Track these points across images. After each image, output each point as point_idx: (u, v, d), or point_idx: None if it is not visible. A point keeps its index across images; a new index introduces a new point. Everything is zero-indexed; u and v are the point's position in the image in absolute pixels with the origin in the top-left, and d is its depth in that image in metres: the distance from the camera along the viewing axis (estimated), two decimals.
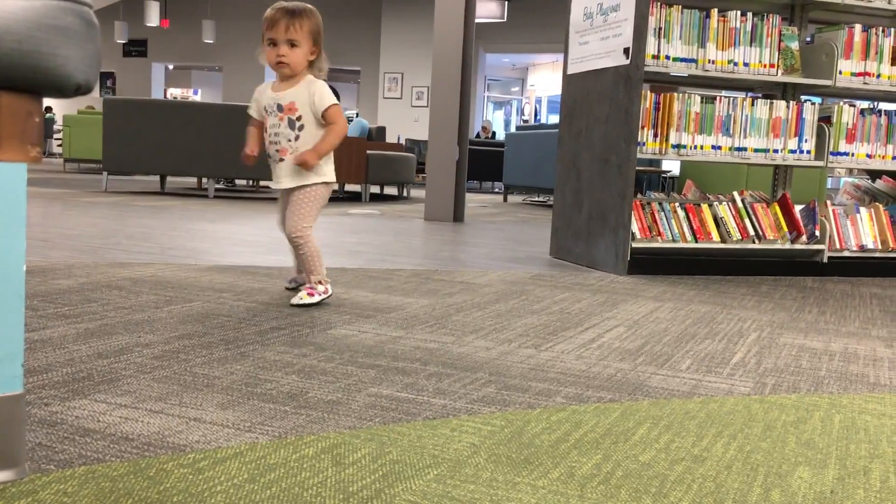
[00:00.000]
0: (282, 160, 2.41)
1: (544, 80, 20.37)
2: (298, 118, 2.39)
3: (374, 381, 1.66)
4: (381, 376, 1.70)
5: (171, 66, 21.85)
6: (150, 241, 3.89)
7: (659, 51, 3.44)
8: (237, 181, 10.64)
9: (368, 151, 8.18)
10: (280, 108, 2.39)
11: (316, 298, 2.45)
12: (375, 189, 10.48)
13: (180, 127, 7.24)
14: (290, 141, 2.39)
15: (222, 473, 1.15)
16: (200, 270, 3.01)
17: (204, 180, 9.08)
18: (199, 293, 2.54)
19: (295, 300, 2.43)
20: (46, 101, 19.00)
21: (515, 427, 1.42)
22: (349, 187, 10.21)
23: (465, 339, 2.11)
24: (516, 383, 1.71)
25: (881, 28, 3.71)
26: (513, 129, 14.71)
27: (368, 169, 8.15)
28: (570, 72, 3.96)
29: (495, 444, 1.33)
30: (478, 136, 15.96)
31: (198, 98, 22.62)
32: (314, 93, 2.38)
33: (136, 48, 20.41)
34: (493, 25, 15.82)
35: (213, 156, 7.19)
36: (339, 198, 8.87)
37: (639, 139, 3.43)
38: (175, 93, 22.57)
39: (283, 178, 2.42)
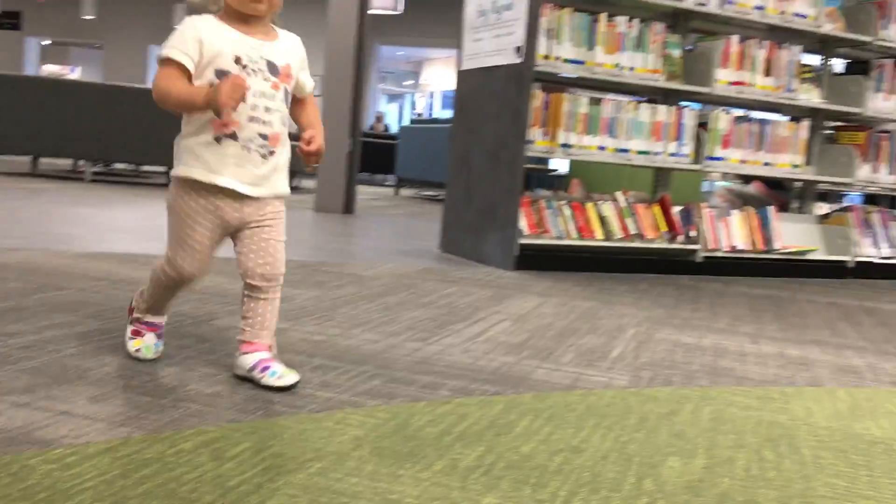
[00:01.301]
0: (272, 152, 1.57)
1: (438, 76, 20.48)
2: (289, 91, 1.62)
3: None
4: None
5: (47, 42, 20.68)
6: (18, 224, 3.67)
7: (550, 51, 3.50)
8: (116, 164, 10.19)
9: None
10: (274, 69, 1.56)
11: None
12: None
13: (56, 106, 6.85)
14: (284, 125, 1.60)
15: (92, 469, 1.10)
16: (75, 257, 2.86)
17: (80, 162, 8.65)
18: (73, 281, 2.42)
19: (287, 380, 1.55)
20: None
21: (400, 420, 1.42)
22: None
23: (352, 331, 2.09)
24: (402, 376, 1.71)
25: (757, 40, 3.91)
26: (406, 123, 14.68)
27: None
28: (463, 67, 3.99)
29: (380, 436, 1.33)
30: (371, 128, 15.88)
31: (76, 76, 21.50)
32: (304, 60, 1.64)
33: (9, 20, 19.18)
34: (389, 17, 15.75)
35: (92, 137, 6.83)
36: None
37: (528, 137, 3.49)
38: (51, 69, 21.39)
39: (277, 179, 1.60)
